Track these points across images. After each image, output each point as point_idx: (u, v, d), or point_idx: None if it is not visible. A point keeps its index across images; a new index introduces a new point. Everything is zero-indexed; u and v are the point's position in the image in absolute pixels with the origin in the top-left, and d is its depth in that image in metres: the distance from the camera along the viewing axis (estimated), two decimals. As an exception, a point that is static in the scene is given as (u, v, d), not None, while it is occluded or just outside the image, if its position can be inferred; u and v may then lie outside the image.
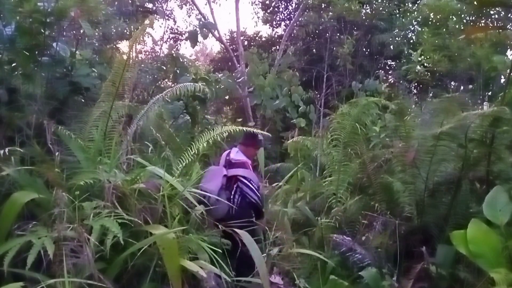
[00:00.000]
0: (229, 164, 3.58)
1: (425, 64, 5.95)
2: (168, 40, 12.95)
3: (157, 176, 3.08)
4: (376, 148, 4.74)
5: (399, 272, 3.00)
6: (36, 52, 3.66)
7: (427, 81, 6.25)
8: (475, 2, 4.70)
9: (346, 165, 4.04)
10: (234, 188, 3.46)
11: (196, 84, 3.82)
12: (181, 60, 6.30)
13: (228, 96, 9.58)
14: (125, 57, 3.33)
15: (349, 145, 4.00)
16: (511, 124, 3.20)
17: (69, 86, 3.79)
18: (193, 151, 3.37)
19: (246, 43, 13.68)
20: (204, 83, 4.61)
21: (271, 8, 13.95)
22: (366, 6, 10.02)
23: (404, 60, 9.06)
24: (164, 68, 6.23)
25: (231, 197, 3.42)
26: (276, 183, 5.20)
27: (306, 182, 5.21)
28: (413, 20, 9.15)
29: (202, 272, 2.52)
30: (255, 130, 3.79)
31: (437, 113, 3.33)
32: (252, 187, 3.45)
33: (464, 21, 6.02)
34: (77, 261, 2.31)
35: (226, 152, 3.76)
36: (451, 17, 5.92)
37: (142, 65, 5.50)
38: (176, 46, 12.34)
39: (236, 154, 3.64)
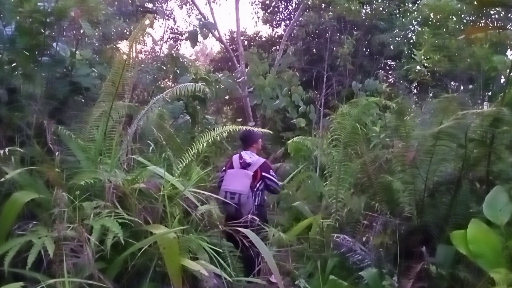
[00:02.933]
0: (247, 165, 3.77)
1: (425, 64, 5.94)
2: (168, 40, 12.96)
3: (157, 175, 3.09)
4: (376, 148, 4.74)
5: (399, 272, 3.00)
6: (36, 52, 3.65)
7: (427, 81, 6.25)
8: (475, 2, 4.70)
9: (346, 165, 4.04)
10: (257, 186, 3.74)
11: (196, 84, 3.83)
12: (181, 60, 6.29)
13: (228, 96, 9.56)
14: (125, 57, 3.33)
15: (349, 145, 3.99)
16: (511, 124, 3.20)
17: (69, 86, 3.79)
18: (193, 151, 3.38)
19: (246, 43, 13.68)
20: (204, 83, 4.61)
21: (271, 8, 13.94)
22: (366, 6, 10.01)
23: (404, 60, 9.06)
24: (164, 68, 6.22)
25: (254, 195, 3.69)
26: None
27: (306, 182, 5.22)
28: (413, 20, 9.14)
29: (203, 271, 2.52)
30: (245, 128, 3.91)
31: (437, 113, 3.33)
32: (276, 181, 3.87)
33: (464, 21, 6.01)
34: (77, 261, 2.31)
35: (237, 156, 3.90)
36: (451, 17, 5.92)
37: (142, 65, 5.49)
38: (176, 46, 12.34)
39: (250, 156, 3.84)
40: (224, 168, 3.92)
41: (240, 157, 3.84)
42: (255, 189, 3.73)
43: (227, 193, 3.57)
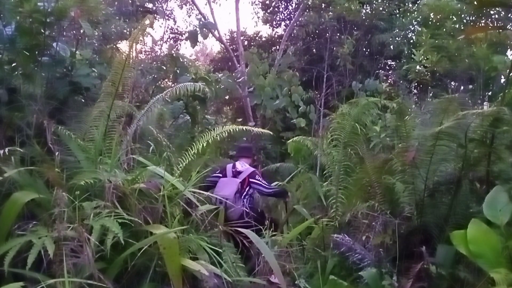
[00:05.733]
0: (238, 173, 4.10)
1: (425, 64, 5.94)
2: (168, 40, 12.96)
3: (157, 175, 3.09)
4: (376, 148, 4.74)
5: (398, 272, 2.99)
6: (36, 52, 3.65)
7: (427, 81, 6.24)
8: (475, 2, 4.70)
9: (346, 165, 4.04)
10: (245, 191, 4.02)
11: (196, 84, 3.84)
12: (181, 60, 6.29)
13: (228, 96, 9.58)
14: (125, 57, 3.33)
15: (349, 145, 3.99)
16: (511, 124, 3.20)
17: (69, 86, 3.78)
18: (193, 151, 3.39)
19: (246, 43, 13.67)
20: (204, 83, 4.61)
21: (271, 8, 13.93)
22: (366, 6, 10.01)
23: (404, 60, 9.05)
24: (164, 68, 6.21)
25: (242, 200, 3.98)
26: (276, 182, 5.22)
27: (306, 182, 5.21)
28: (413, 20, 9.14)
29: (203, 271, 2.52)
30: (246, 144, 4.53)
31: (437, 113, 3.32)
32: (263, 184, 4.10)
33: (464, 21, 6.01)
34: (77, 261, 2.31)
35: (231, 165, 4.23)
36: (451, 17, 5.92)
37: (142, 65, 5.49)
38: (176, 46, 12.33)
39: (242, 165, 4.18)
40: (216, 173, 4.19)
41: (234, 166, 4.17)
42: (244, 194, 4.02)
43: (217, 199, 3.82)
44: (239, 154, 4.42)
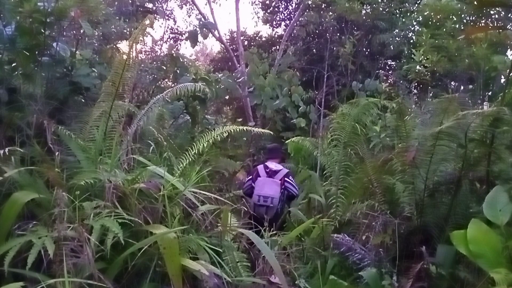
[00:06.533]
0: (273, 172, 4.28)
1: (425, 64, 5.94)
2: (168, 40, 12.94)
3: (157, 175, 3.09)
4: (376, 148, 4.74)
5: (398, 272, 3.00)
6: (36, 52, 3.65)
7: (427, 81, 6.24)
8: (475, 2, 4.70)
9: (346, 165, 4.04)
10: (282, 191, 4.20)
11: (196, 84, 3.83)
12: (181, 60, 6.28)
13: (228, 96, 9.56)
14: (125, 57, 3.33)
15: (349, 145, 4.00)
16: (511, 124, 3.20)
17: (69, 86, 3.79)
18: (194, 151, 3.39)
19: (246, 43, 13.66)
20: (204, 83, 4.61)
21: (271, 8, 13.92)
22: (366, 6, 10.00)
23: (404, 60, 9.05)
24: (164, 68, 6.21)
25: (279, 199, 4.15)
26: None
27: (306, 182, 5.21)
28: (414, 20, 9.13)
29: (204, 271, 2.52)
30: (274, 145, 4.89)
31: (437, 113, 3.33)
32: (295, 186, 4.35)
33: (464, 21, 6.02)
34: (77, 261, 2.31)
35: (262, 166, 4.41)
36: (451, 17, 5.92)
37: (142, 65, 5.49)
38: (176, 46, 12.30)
39: (275, 165, 4.36)
40: (250, 177, 4.38)
41: (266, 167, 4.31)
42: (281, 194, 4.19)
43: (260, 196, 4.09)
44: (268, 155, 4.60)
